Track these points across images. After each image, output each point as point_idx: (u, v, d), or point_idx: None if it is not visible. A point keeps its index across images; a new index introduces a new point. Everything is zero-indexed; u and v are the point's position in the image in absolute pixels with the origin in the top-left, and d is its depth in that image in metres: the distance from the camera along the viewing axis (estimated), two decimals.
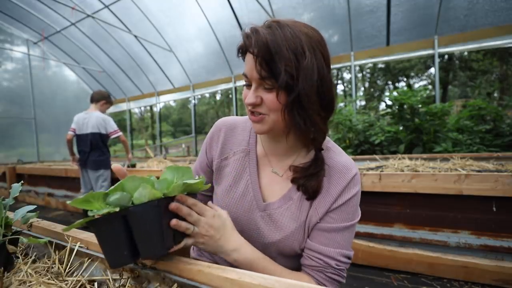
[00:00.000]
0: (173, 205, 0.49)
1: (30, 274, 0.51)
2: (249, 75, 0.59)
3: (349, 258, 0.63)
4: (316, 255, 0.62)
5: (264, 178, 0.70)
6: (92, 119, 3.12)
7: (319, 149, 0.64)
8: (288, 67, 0.53)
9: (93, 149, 3.13)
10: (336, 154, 0.67)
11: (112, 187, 0.43)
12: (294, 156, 0.69)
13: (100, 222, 0.42)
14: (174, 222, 0.48)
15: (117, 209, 0.41)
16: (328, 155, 0.66)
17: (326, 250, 0.61)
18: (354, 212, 0.64)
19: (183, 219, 0.52)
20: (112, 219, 0.41)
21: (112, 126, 3.22)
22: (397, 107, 3.85)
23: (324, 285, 0.60)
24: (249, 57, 0.58)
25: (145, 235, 0.43)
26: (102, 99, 3.25)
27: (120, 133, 3.27)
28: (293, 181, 0.65)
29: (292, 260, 0.67)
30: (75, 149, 3.28)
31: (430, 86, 12.83)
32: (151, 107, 12.86)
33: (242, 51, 0.60)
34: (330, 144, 0.69)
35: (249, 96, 0.59)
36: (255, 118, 0.61)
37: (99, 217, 0.42)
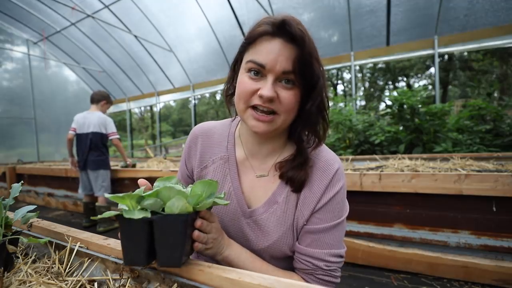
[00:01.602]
0: (199, 223, 0.49)
1: (30, 274, 0.51)
2: (270, 65, 0.53)
3: (340, 256, 0.61)
4: (304, 258, 0.60)
5: (246, 184, 0.67)
6: (94, 119, 3.13)
7: (301, 140, 0.63)
8: (320, 71, 0.55)
9: (93, 149, 3.13)
10: (318, 150, 0.65)
11: (149, 192, 0.44)
12: (276, 156, 0.68)
13: (129, 221, 0.44)
14: (196, 234, 0.49)
15: (149, 215, 0.42)
16: (310, 152, 0.65)
17: (314, 252, 0.59)
18: (340, 209, 0.62)
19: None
20: (140, 221, 0.43)
21: (112, 127, 3.25)
22: (397, 107, 3.85)
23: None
24: (277, 44, 0.53)
25: (168, 245, 0.44)
26: (103, 99, 3.28)
27: (116, 136, 3.27)
28: (281, 176, 0.63)
29: (285, 262, 0.67)
30: (74, 151, 3.29)
31: (430, 86, 12.83)
32: (151, 107, 12.86)
33: (272, 32, 0.53)
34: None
35: (268, 88, 0.53)
36: (265, 118, 0.56)
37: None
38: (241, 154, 0.69)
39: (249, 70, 0.56)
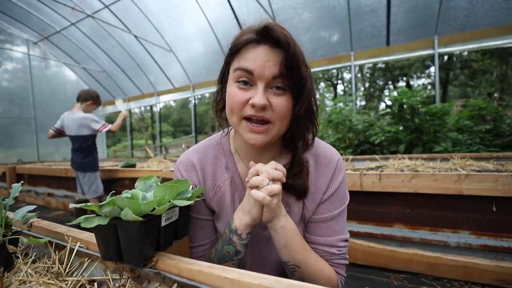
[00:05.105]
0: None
1: (30, 274, 0.51)
2: (259, 71, 0.51)
3: (347, 240, 0.65)
4: (319, 247, 0.63)
5: None
6: (71, 123, 2.97)
7: (296, 148, 0.62)
8: (307, 73, 0.53)
9: (77, 151, 3.04)
10: (315, 146, 0.66)
11: (106, 201, 0.48)
12: None
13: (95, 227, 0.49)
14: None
15: (106, 222, 0.47)
16: (302, 154, 0.65)
17: (325, 240, 0.63)
18: (343, 197, 0.66)
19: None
20: (103, 227, 0.48)
21: (96, 124, 3.00)
22: (397, 107, 3.85)
23: (334, 271, 0.63)
24: (263, 50, 0.52)
25: (126, 246, 0.48)
26: (90, 99, 3.06)
27: (107, 128, 3.03)
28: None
29: None
30: (69, 150, 3.27)
31: (429, 86, 12.82)
32: (151, 107, 12.86)
33: (256, 39, 0.52)
34: None
35: (259, 96, 0.51)
36: (260, 129, 0.54)
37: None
38: (243, 168, 0.68)
39: (238, 80, 0.54)
